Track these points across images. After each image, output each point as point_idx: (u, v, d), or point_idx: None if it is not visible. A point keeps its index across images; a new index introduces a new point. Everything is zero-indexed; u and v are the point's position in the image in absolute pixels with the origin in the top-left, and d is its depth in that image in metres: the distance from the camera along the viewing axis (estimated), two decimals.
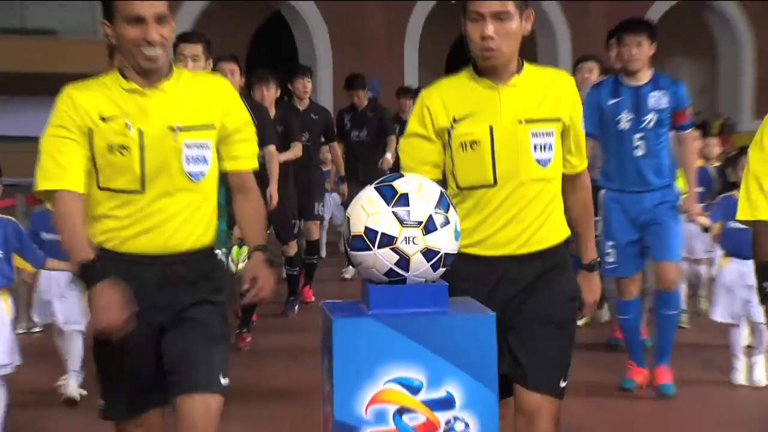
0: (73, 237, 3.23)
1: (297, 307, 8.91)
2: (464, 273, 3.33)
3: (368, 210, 2.70)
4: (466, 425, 2.68)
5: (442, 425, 2.67)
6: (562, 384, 3.46)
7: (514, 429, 3.43)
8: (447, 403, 2.67)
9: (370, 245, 2.65)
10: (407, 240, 2.64)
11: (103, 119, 3.25)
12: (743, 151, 6.40)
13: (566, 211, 3.62)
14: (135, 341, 3.28)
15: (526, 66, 3.48)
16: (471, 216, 3.42)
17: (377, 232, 2.65)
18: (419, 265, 2.68)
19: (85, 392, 5.95)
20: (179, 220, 3.33)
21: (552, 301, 3.46)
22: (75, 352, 5.99)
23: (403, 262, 2.66)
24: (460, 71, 3.57)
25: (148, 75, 3.29)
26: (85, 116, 3.25)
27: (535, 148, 3.41)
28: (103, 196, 3.33)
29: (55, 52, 25.75)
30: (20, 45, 25.63)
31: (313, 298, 9.49)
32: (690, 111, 6.15)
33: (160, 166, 3.27)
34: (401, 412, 2.66)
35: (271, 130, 7.51)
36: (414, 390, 2.66)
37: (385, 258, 2.66)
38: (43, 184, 3.25)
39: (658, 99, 5.91)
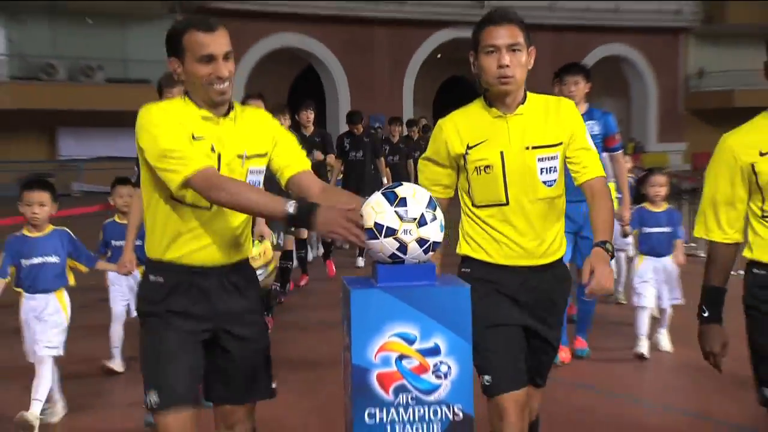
0: (258, 192, 2.77)
1: (283, 298, 8.16)
2: (487, 276, 3.08)
3: (376, 209, 2.61)
4: (449, 367, 2.66)
5: (431, 367, 2.65)
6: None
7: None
8: (434, 351, 2.65)
9: (378, 235, 2.59)
10: (405, 232, 2.59)
11: (194, 137, 2.74)
12: (651, 171, 6.33)
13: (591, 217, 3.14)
14: (195, 334, 2.85)
15: (529, 95, 3.09)
16: (491, 230, 3.07)
17: (383, 225, 2.58)
18: (414, 251, 2.62)
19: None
20: (235, 234, 2.88)
21: (554, 316, 3.20)
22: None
23: (403, 248, 2.60)
24: (471, 102, 3.16)
25: (217, 106, 2.80)
26: (183, 128, 2.73)
27: (541, 171, 3.03)
28: (172, 208, 2.80)
29: (150, 96, 25.46)
30: (124, 90, 25.75)
31: (335, 272, 9.33)
32: (618, 137, 6.01)
33: None
34: (401, 358, 2.64)
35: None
36: (410, 342, 2.64)
37: (389, 245, 2.60)
38: (179, 174, 2.66)
39: (591, 126, 5.50)
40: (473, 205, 3.11)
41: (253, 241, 5.31)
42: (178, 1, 27.07)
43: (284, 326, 6.98)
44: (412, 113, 27.74)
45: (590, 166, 3.09)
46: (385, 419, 2.64)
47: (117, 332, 5.66)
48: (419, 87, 32.20)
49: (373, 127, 14.38)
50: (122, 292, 5.61)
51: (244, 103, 6.49)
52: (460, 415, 2.67)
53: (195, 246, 2.82)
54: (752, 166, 2.80)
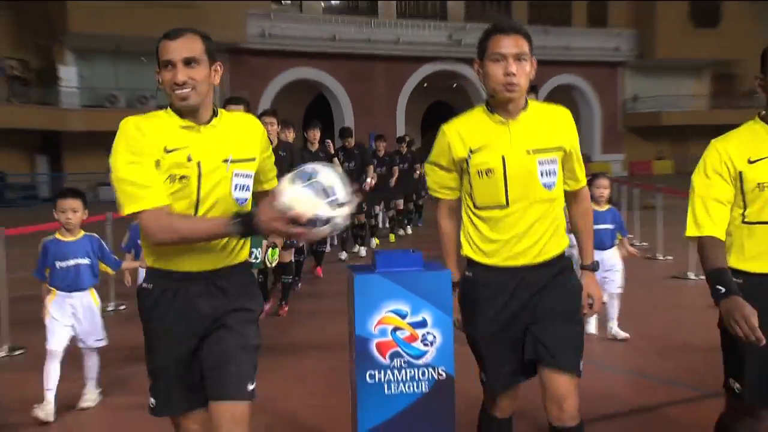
0: (200, 222, 2.28)
1: (300, 284, 7.82)
2: (487, 280, 2.55)
3: (309, 205, 2.12)
4: (434, 337, 2.63)
5: (420, 337, 2.63)
6: (581, 365, 2.56)
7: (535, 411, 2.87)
8: (422, 323, 2.63)
9: (315, 225, 2.15)
10: (336, 216, 2.16)
11: (167, 151, 2.24)
12: (596, 175, 6.10)
13: (570, 220, 2.76)
14: (183, 347, 2.34)
15: (530, 103, 2.57)
16: (489, 231, 2.55)
17: (320, 217, 2.14)
18: (342, 223, 2.21)
19: None
20: (221, 240, 2.32)
21: (563, 296, 2.57)
22: None
23: (336, 227, 2.20)
24: (473, 109, 2.64)
25: (193, 114, 2.29)
26: (153, 145, 2.24)
27: (541, 174, 2.51)
28: None
29: None
30: None
31: (321, 275, 8.67)
32: None
33: (213, 193, 2.29)
34: (395, 329, 2.61)
35: (299, 160, 6.65)
36: (402, 316, 2.62)
37: (324, 230, 2.19)
38: (127, 207, 2.24)
39: None
40: (475, 206, 2.59)
41: (267, 250, 4.75)
42: (217, 42, 26.97)
43: (294, 311, 6.77)
44: (404, 131, 27.78)
45: (581, 176, 2.69)
46: (382, 379, 2.62)
47: None
48: (410, 110, 32.22)
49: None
50: None
51: (259, 119, 6.29)
52: (443, 375, 2.65)
53: (179, 252, 2.31)
54: (740, 173, 2.42)
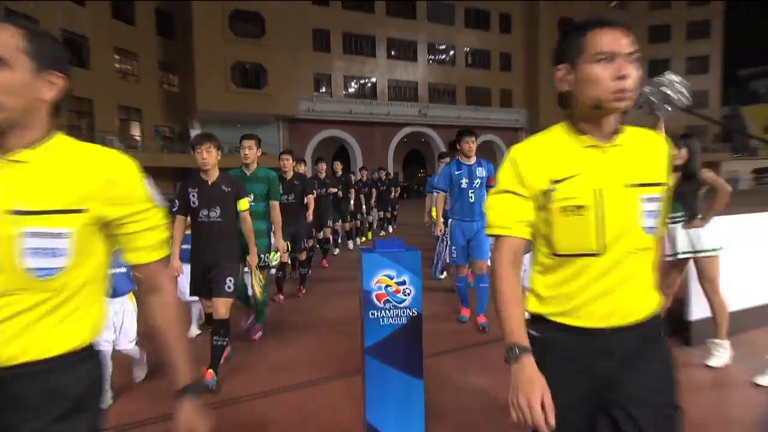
0: None
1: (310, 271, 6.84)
2: (554, 343, 1.18)
3: None
4: (410, 290, 2.58)
5: (401, 291, 2.57)
6: None
7: None
8: (403, 283, 2.57)
9: None
10: None
11: None
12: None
13: None
14: None
15: (623, 126, 1.18)
16: (567, 284, 1.17)
17: None
18: None
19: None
20: (19, 326, 0.87)
21: (658, 375, 1.14)
22: (195, 313, 3.83)
23: None
24: (550, 128, 1.28)
25: (1, 141, 0.91)
26: None
27: (644, 215, 1.14)
28: None
29: (264, 163, 25.14)
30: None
31: (326, 265, 7.11)
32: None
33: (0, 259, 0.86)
34: (387, 286, 2.56)
35: (310, 185, 5.35)
36: (391, 278, 2.56)
37: None
38: None
39: (480, 171, 4.09)
40: (553, 254, 1.21)
41: (268, 254, 3.85)
42: (280, 115, 26.95)
43: (310, 293, 5.91)
44: (392, 167, 27.98)
45: (663, 220, 1.23)
46: (378, 315, 2.57)
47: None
48: (395, 154, 32.25)
49: (351, 173, 11.21)
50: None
51: (279, 158, 4.77)
52: (415, 313, 2.60)
53: None
54: None
